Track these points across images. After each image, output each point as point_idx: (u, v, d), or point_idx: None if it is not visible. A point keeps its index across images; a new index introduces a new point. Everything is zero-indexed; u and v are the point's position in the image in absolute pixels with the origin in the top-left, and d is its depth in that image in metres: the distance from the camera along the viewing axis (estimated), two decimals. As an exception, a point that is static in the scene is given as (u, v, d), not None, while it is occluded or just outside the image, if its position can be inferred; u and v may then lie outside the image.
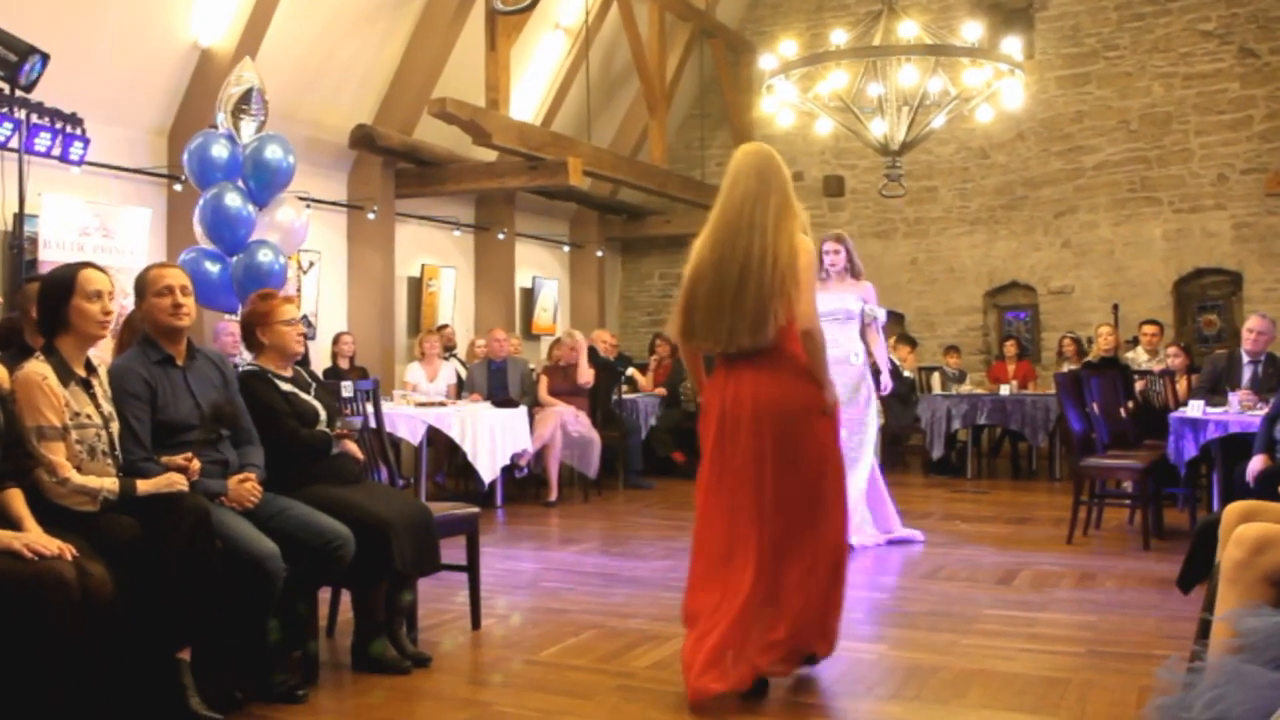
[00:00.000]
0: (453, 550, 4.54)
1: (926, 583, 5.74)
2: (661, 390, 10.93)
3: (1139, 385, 8.82)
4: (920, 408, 10.55)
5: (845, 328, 6.63)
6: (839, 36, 8.74)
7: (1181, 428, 6.58)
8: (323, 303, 9.66)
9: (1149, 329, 9.76)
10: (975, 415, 10.21)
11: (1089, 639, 4.54)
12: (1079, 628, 4.75)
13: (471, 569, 4.71)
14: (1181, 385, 8.35)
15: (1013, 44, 8.68)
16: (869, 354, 6.84)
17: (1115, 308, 11.05)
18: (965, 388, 10.94)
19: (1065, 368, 9.79)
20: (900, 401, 10.37)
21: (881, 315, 6.94)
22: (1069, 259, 12.21)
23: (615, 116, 12.87)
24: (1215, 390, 7.04)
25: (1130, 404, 8.22)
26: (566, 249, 13.27)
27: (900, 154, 8.93)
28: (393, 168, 10.21)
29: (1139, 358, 9.63)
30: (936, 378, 11.40)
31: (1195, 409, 6.66)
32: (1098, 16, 12.17)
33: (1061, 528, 6.99)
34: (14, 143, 6.32)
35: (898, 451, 11.25)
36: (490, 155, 10.40)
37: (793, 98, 8.98)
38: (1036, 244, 12.30)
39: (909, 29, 8.50)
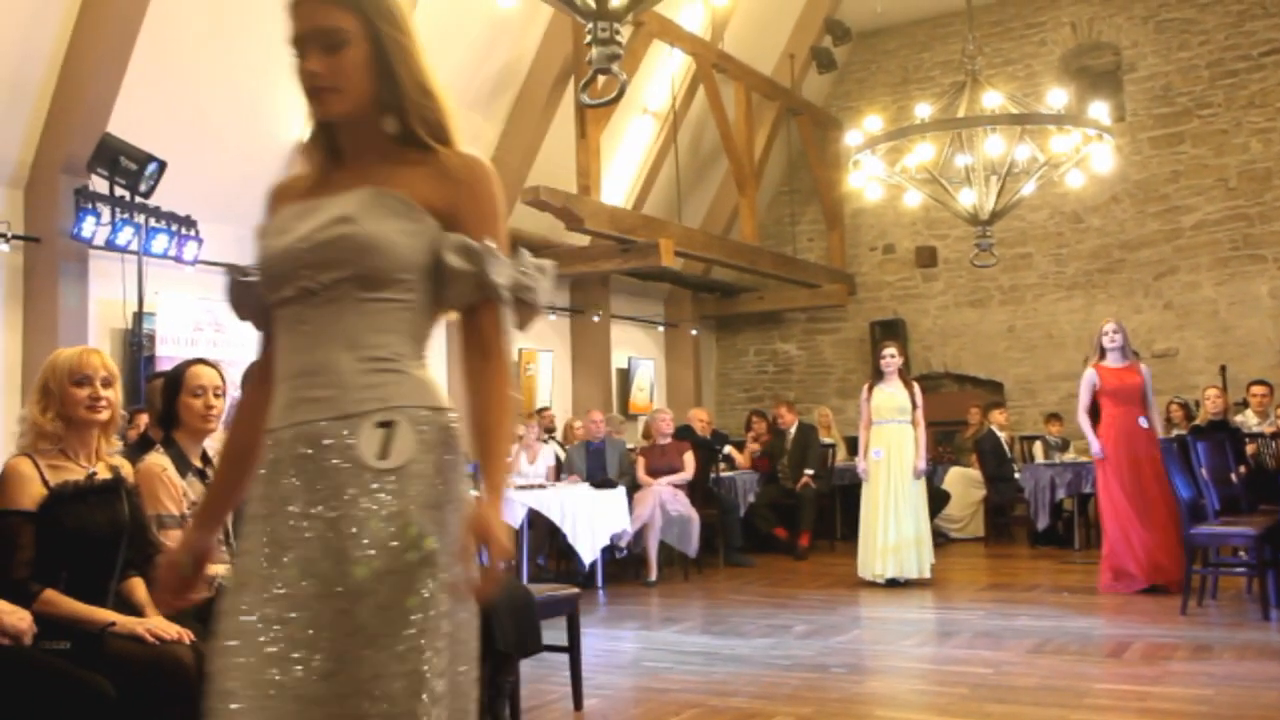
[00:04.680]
0: (554, 631, 4.60)
1: (1033, 656, 5.62)
2: (764, 460, 10.92)
3: (1250, 449, 8.58)
4: (1023, 477, 10.38)
5: None
6: (924, 109, 8.81)
7: (1297, 491, 6.40)
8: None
9: (1258, 390, 9.51)
10: (1080, 484, 10.00)
11: (1205, 714, 4.42)
12: (1194, 702, 4.62)
13: (573, 649, 4.76)
14: (1295, 447, 8.12)
15: (1100, 108, 8.66)
16: None
17: (1223, 369, 10.81)
18: (1069, 456, 10.73)
19: (1173, 433, 9.57)
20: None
21: None
22: (1172, 321, 11.98)
23: (705, 196, 13.05)
24: (1331, 451, 6.84)
25: (1242, 468, 8.00)
26: (661, 328, 13.40)
27: (990, 223, 8.93)
28: (489, 256, 10.43)
29: (1249, 420, 9.37)
30: (1039, 446, 11.22)
31: (1310, 471, 6.48)
32: (1189, 75, 12.06)
33: (1175, 598, 6.81)
34: (134, 245, 6.66)
35: (1002, 522, 11.06)
36: (584, 240, 10.61)
37: (880, 172, 9.05)
38: (1137, 306, 12.10)
39: (993, 99, 8.53)
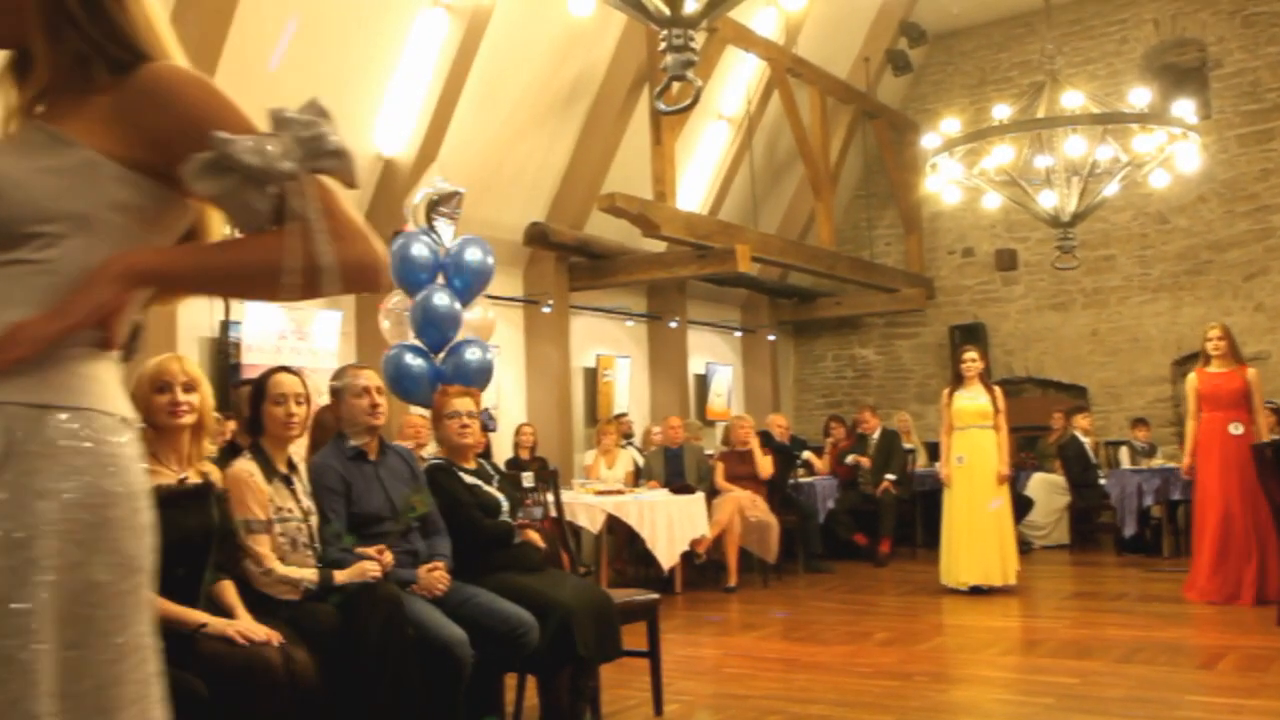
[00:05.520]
0: (633, 636, 4.61)
1: (1122, 666, 5.51)
2: (847, 464, 10.82)
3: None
4: (1109, 484, 10.18)
5: None
6: (1002, 111, 8.69)
7: (1396, 497, 6.19)
8: (503, 395, 9.98)
9: (1355, 393, 9.23)
10: (1169, 490, 9.77)
11: (1302, 725, 4.30)
12: (1291, 713, 4.50)
13: (653, 654, 4.76)
14: (1395, 452, 7.85)
15: (1185, 106, 8.47)
16: None
17: (1317, 372, 10.49)
18: (1156, 461, 10.49)
19: (1269, 437, 9.31)
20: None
21: None
22: (1263, 323, 11.66)
23: (781, 201, 13.01)
24: None
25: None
26: (738, 334, 13.37)
27: (1072, 225, 8.78)
28: (566, 262, 10.53)
29: (1346, 425, 9.10)
30: (1124, 452, 10.98)
31: None
32: (1279, 71, 11.75)
33: (1271, 608, 6.62)
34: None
35: (1087, 530, 10.85)
36: (660, 246, 10.62)
37: (958, 174, 8.94)
38: (1226, 309, 11.79)
39: (1074, 99, 8.38)
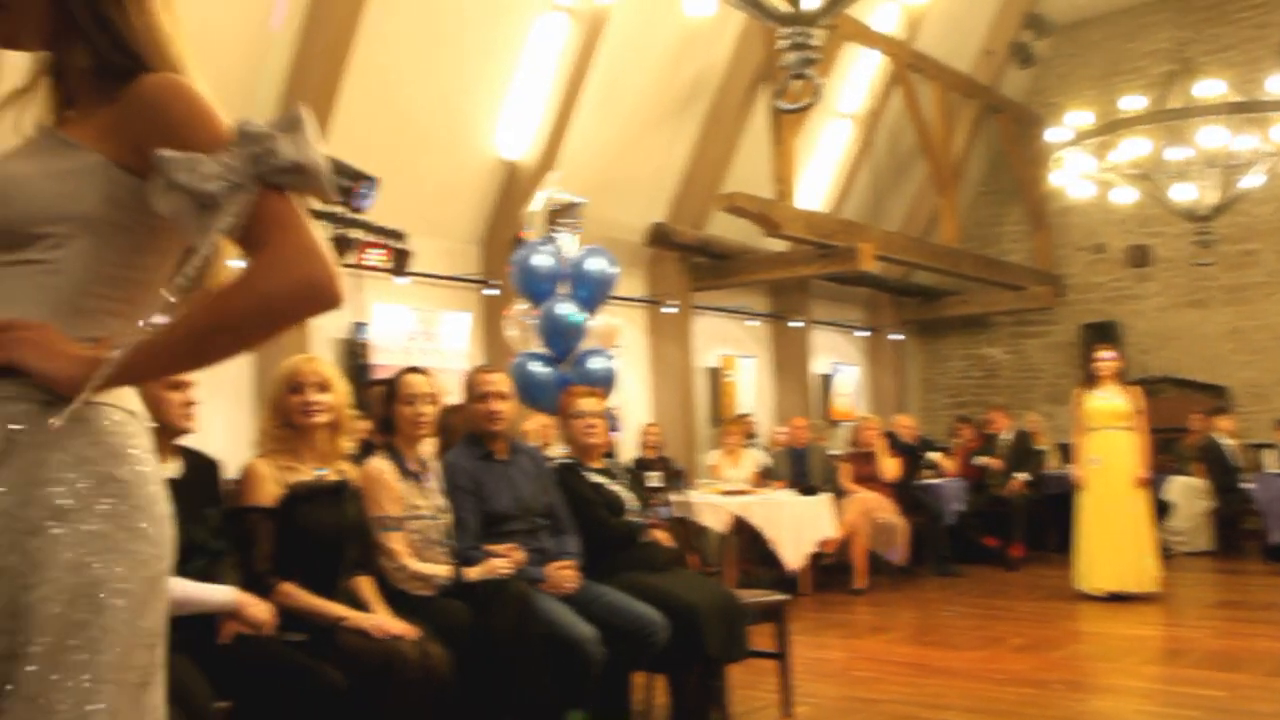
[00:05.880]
0: (760, 638, 4.57)
1: (1273, 680, 5.27)
2: (976, 465, 10.59)
3: None
4: (1254, 488, 9.76)
5: None
6: (1132, 102, 8.42)
7: None
8: (627, 396, 10.01)
9: None
10: (1320, 494, 9.33)
11: None
12: None
13: (781, 656, 4.71)
14: None
15: (1334, 91, 8.09)
16: None
17: None
18: (1305, 464, 10.04)
19: None
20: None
21: None
22: None
23: (904, 198, 12.81)
24: None
25: None
26: (863, 334, 13.22)
27: (1210, 219, 8.45)
28: (688, 262, 10.53)
29: None
30: (1270, 455, 10.51)
31: None
32: None
33: None
34: (350, 259, 6.97)
35: (1231, 535, 10.42)
36: (782, 245, 10.56)
37: (1088, 168, 8.69)
38: (1379, 304, 11.25)
39: (1210, 87, 8.07)
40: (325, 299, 1.38)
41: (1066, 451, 9.48)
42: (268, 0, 6.92)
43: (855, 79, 11.41)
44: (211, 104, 1.42)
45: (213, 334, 1.39)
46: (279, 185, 1.36)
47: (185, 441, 3.21)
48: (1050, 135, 8.91)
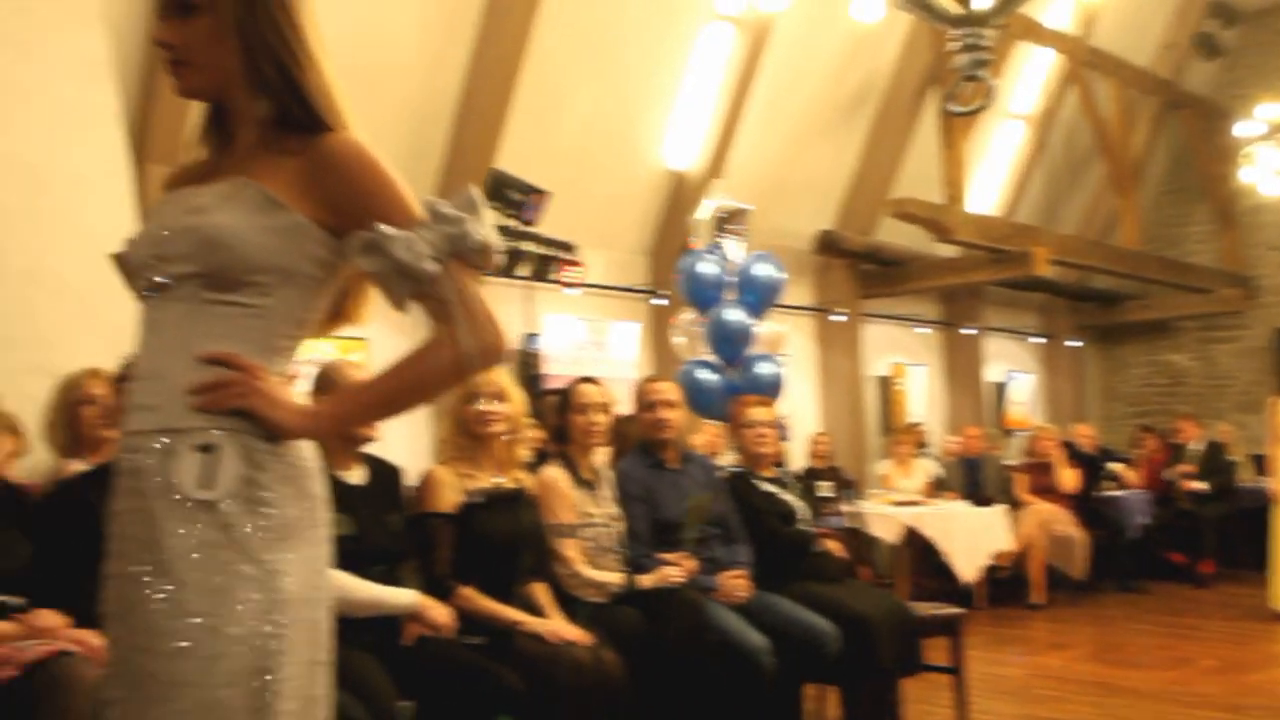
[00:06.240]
0: (934, 652, 4.48)
1: None
2: (1166, 478, 10.15)
3: None
4: None
5: None
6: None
7: None
8: (795, 404, 9.95)
9: None
10: None
11: None
12: None
13: (956, 670, 4.61)
14: None
15: None
16: None
17: None
18: None
19: None
20: None
21: None
22: None
23: (1080, 200, 12.38)
24: None
25: None
26: (1038, 340, 12.83)
27: None
28: (856, 270, 10.41)
29: None
30: None
31: None
32: None
33: None
34: (522, 271, 7.13)
35: None
36: (952, 251, 10.35)
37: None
38: None
39: None
40: (500, 359, 1.66)
41: (1261, 464, 9.01)
42: (441, 19, 7.15)
43: (1028, 79, 11.10)
44: (389, 169, 1.62)
45: (410, 391, 1.64)
46: (465, 261, 1.59)
47: (369, 449, 3.33)
48: (1239, 130, 8.50)
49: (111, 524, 1.59)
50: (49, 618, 2.71)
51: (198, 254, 1.56)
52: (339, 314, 1.76)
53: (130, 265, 1.64)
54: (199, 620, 1.49)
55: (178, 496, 1.52)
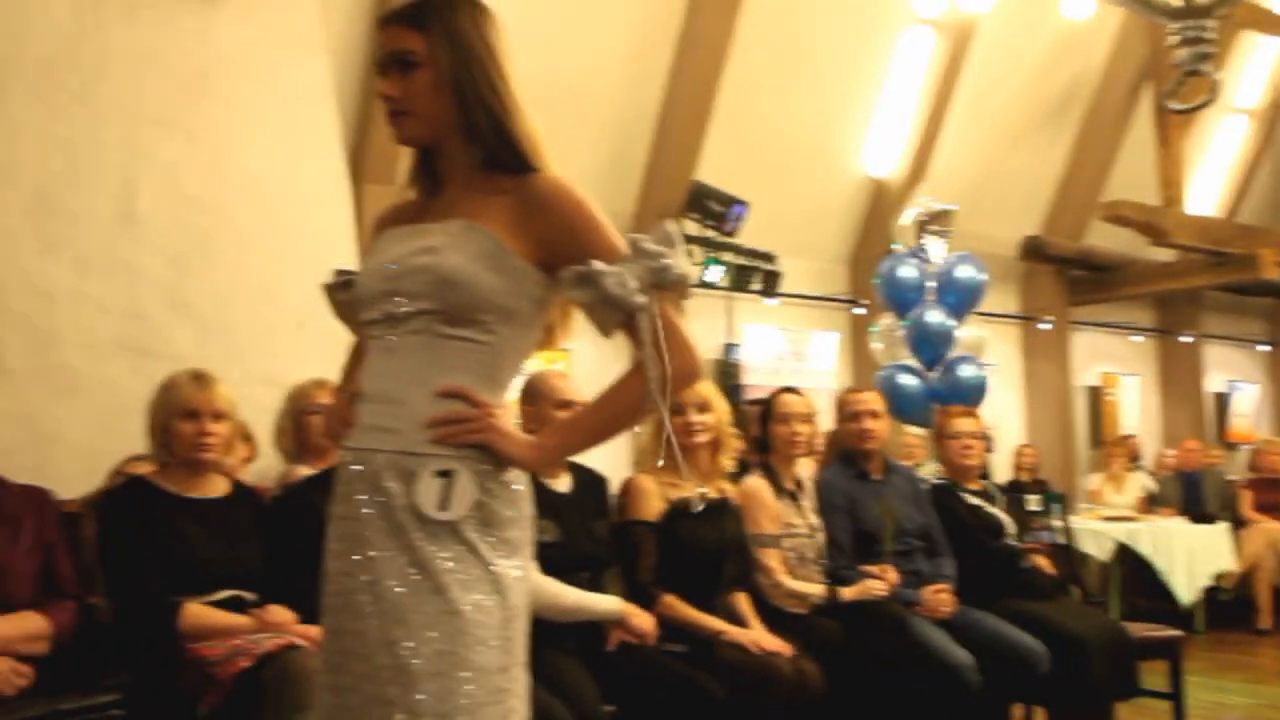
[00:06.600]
0: (1150, 675, 4.29)
1: None
2: None
3: None
4: None
5: None
6: None
7: None
8: (1000, 415, 9.70)
9: None
10: None
11: None
12: None
13: (1175, 697, 4.40)
14: None
15: None
16: None
17: None
18: None
19: None
20: None
21: None
22: None
23: (1314, 199, 11.66)
24: None
25: None
26: (1264, 348, 12.14)
27: None
28: (1065, 276, 10.09)
29: None
30: None
31: None
32: None
33: None
34: (723, 282, 7.18)
35: None
36: (1168, 255, 9.91)
37: None
38: None
39: None
40: (697, 381, 1.85)
41: None
42: (641, 33, 7.27)
43: (1253, 70, 10.53)
44: (594, 206, 1.76)
45: (620, 417, 1.78)
46: (665, 290, 1.72)
47: (575, 458, 3.41)
48: None
49: (337, 527, 1.75)
50: (279, 613, 2.87)
51: (434, 292, 1.71)
52: (546, 338, 1.88)
53: (362, 296, 1.80)
54: (452, 619, 1.65)
55: (422, 514, 1.67)
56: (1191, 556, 7.50)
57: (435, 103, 1.77)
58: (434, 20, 1.76)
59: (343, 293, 1.88)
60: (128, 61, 4.39)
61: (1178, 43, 6.27)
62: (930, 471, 4.80)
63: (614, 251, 1.72)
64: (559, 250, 1.73)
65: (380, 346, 1.77)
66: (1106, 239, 9.86)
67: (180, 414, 2.93)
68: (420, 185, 1.87)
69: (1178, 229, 8.92)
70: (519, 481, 1.77)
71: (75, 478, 3.60)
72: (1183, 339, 11.08)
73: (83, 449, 3.99)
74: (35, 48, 4.22)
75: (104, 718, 2.77)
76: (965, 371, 6.68)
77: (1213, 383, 11.42)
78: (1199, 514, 8.20)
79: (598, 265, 1.68)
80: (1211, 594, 7.85)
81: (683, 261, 1.75)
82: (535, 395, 3.25)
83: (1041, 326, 9.89)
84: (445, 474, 1.68)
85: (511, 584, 1.71)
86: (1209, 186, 10.73)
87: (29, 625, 2.77)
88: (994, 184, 9.31)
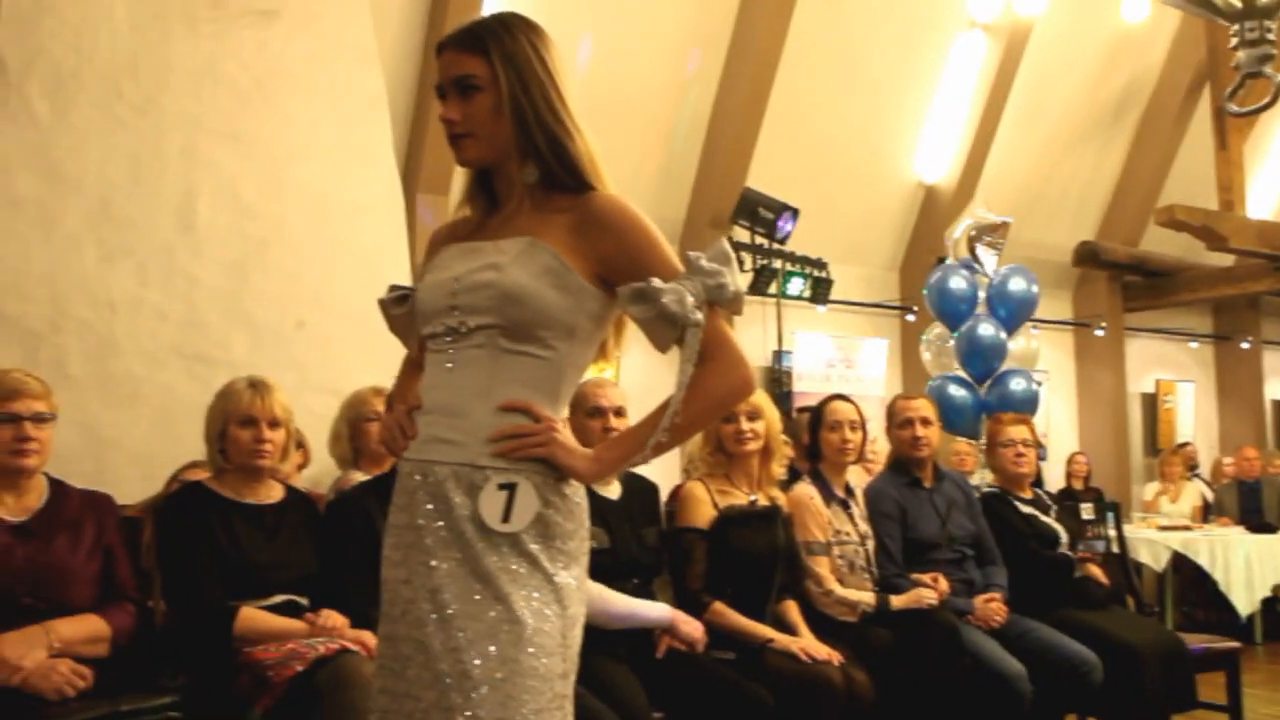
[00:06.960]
0: (1207, 688, 4.22)
1: None
2: None
3: None
4: None
5: None
6: None
7: None
8: (1053, 423, 9.60)
9: None
10: None
11: None
12: None
13: (1233, 710, 4.33)
14: None
15: None
16: None
17: None
18: None
19: None
20: None
21: None
22: None
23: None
24: None
25: None
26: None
27: None
28: (1119, 282, 9.97)
29: None
30: None
31: None
32: None
33: None
34: (773, 289, 7.16)
35: None
36: (1227, 259, 9.76)
37: None
38: None
39: None
40: (750, 393, 1.87)
41: None
42: (692, 38, 7.29)
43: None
44: (651, 224, 1.80)
45: (677, 431, 1.78)
46: (720, 306, 1.76)
47: (624, 465, 3.42)
48: None
49: (396, 536, 1.78)
50: (333, 618, 2.90)
51: (498, 307, 1.74)
52: (600, 352, 1.91)
53: (423, 311, 1.84)
54: (514, 627, 1.68)
55: (486, 526, 1.71)
56: (1250, 567, 7.38)
57: (496, 125, 1.80)
58: (493, 44, 1.79)
59: (398, 307, 1.90)
60: (188, 74, 4.46)
61: (1237, 44, 6.19)
62: (981, 480, 4.75)
63: (671, 269, 1.76)
64: (617, 268, 1.77)
65: (441, 360, 1.81)
66: (1162, 244, 9.74)
67: (237, 421, 2.97)
68: (477, 203, 1.91)
69: (1236, 233, 8.78)
70: (578, 494, 1.81)
71: (134, 483, 3.67)
72: (1241, 345, 10.90)
73: (141, 455, 4.05)
74: (98, 61, 4.30)
75: (161, 719, 2.82)
76: (1016, 385, 6.62)
77: (1273, 390, 11.23)
78: (1258, 523, 8.06)
79: (656, 282, 1.72)
80: (1270, 605, 7.72)
81: (738, 278, 1.79)
82: (582, 401, 3.27)
83: (1096, 333, 9.78)
84: (508, 486, 1.72)
85: (571, 594, 1.75)
86: (1268, 190, 10.58)
87: (89, 628, 2.82)
88: (1048, 189, 9.22)
